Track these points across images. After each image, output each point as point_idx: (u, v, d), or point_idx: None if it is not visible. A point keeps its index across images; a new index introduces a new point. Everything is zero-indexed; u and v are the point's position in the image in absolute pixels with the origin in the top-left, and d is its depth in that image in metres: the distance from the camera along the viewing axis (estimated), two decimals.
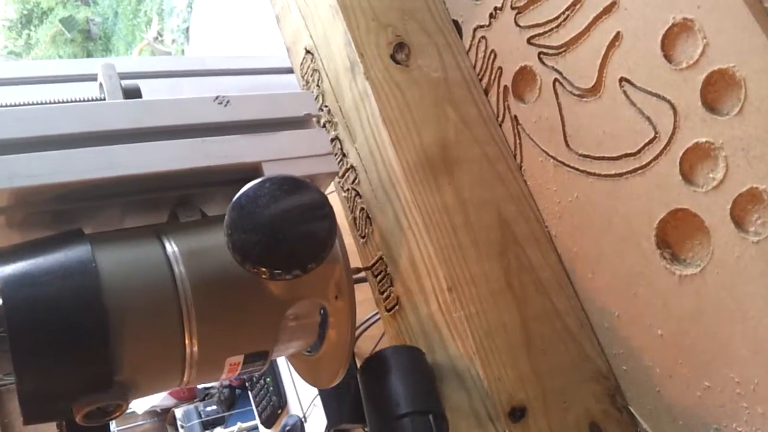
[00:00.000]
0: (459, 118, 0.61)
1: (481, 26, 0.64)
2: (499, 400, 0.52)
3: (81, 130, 0.52)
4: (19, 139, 0.50)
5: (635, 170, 0.52)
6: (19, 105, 0.57)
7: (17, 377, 0.45)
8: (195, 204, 0.56)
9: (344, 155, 0.65)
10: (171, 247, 0.50)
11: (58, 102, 0.59)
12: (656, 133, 0.51)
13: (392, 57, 0.62)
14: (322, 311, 0.56)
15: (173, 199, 0.56)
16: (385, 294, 0.62)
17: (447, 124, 0.61)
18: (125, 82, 0.60)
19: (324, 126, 0.67)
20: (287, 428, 1.39)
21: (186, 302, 0.48)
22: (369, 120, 0.60)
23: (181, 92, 0.80)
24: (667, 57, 0.49)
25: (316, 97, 0.68)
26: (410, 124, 0.59)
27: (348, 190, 0.65)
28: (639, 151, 0.52)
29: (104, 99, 0.58)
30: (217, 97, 0.56)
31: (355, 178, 0.64)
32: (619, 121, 0.53)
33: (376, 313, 0.82)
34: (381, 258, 0.62)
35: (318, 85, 0.67)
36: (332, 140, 0.66)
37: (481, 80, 0.65)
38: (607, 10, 0.53)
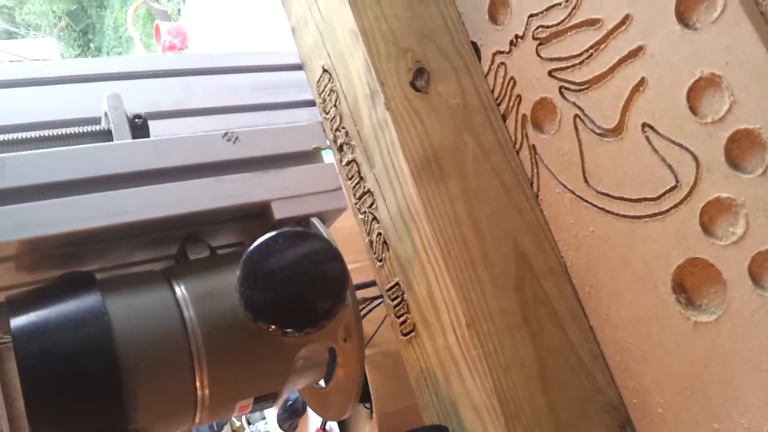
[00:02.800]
0: (477, 146, 0.62)
1: (501, 52, 0.63)
2: None
3: (88, 175, 0.52)
4: (25, 186, 0.50)
5: (654, 215, 0.53)
6: (23, 138, 0.56)
7: (31, 428, 0.45)
8: (203, 239, 0.57)
9: (361, 178, 0.65)
10: (180, 291, 0.51)
11: (64, 134, 0.58)
12: (677, 182, 0.51)
13: (412, 84, 0.61)
14: (330, 349, 0.57)
15: (182, 235, 0.56)
16: (402, 319, 0.63)
17: (466, 154, 0.61)
18: (131, 110, 0.59)
19: (341, 147, 0.67)
20: (289, 403, 1.43)
21: (197, 348, 0.49)
22: (388, 149, 0.60)
23: (191, 90, 0.79)
24: (692, 109, 0.49)
25: (333, 118, 0.67)
26: (430, 155, 0.59)
27: (365, 213, 0.66)
28: (659, 197, 0.53)
29: (109, 129, 0.58)
30: (225, 134, 0.56)
31: (373, 203, 0.64)
32: (640, 165, 0.53)
33: (378, 296, 0.84)
34: (398, 284, 0.63)
35: (335, 106, 0.67)
36: (349, 162, 0.66)
37: (499, 105, 0.64)
38: (633, 54, 0.52)
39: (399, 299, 0.63)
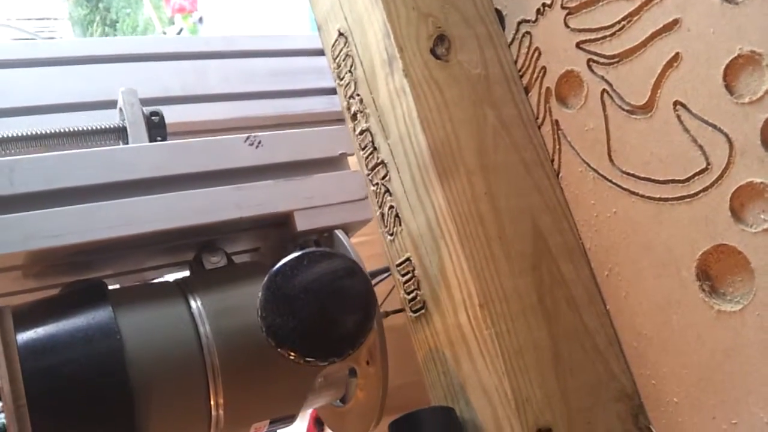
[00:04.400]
0: (498, 120, 0.59)
1: (527, 21, 0.60)
2: (525, 420, 0.52)
3: (102, 180, 0.49)
4: (35, 192, 0.47)
5: (682, 198, 0.51)
6: (33, 135, 0.53)
7: None
8: (220, 247, 0.54)
9: (375, 149, 0.63)
10: (196, 305, 0.49)
11: (76, 131, 0.56)
12: (708, 164, 0.49)
13: (432, 51, 0.59)
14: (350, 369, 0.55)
15: (198, 242, 0.54)
16: (412, 296, 0.61)
17: (485, 127, 0.58)
18: (147, 107, 0.56)
19: (355, 116, 0.64)
20: None
21: (212, 366, 0.47)
22: (405, 119, 0.58)
23: (206, 74, 0.76)
24: (729, 88, 0.47)
25: (348, 84, 0.65)
26: (448, 127, 0.57)
27: (377, 184, 0.63)
28: (688, 180, 0.50)
29: (124, 126, 0.55)
30: (248, 138, 0.54)
31: (386, 175, 0.62)
32: (670, 145, 0.51)
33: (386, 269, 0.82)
34: (409, 259, 0.61)
35: (350, 72, 0.64)
36: (362, 131, 0.64)
37: (521, 77, 0.62)
38: (668, 28, 0.50)
39: (409, 275, 0.61)
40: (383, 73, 0.60)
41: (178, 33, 4.57)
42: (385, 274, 0.82)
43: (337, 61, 0.67)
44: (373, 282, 0.84)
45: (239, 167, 0.53)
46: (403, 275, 0.62)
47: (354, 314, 0.44)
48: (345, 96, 0.66)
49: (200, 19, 4.69)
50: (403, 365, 1.08)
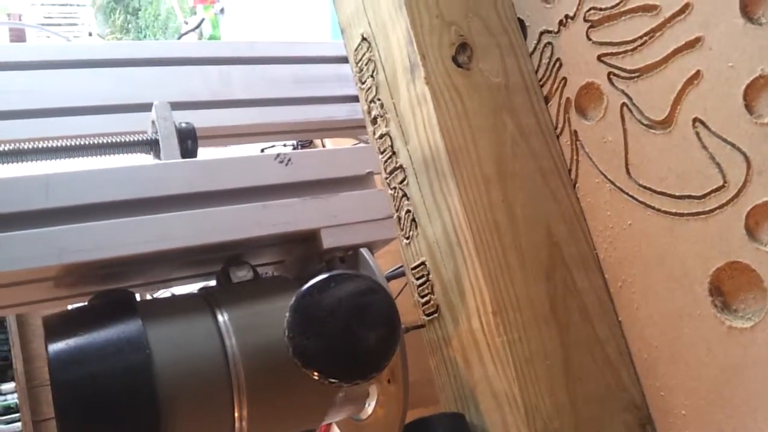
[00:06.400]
0: (517, 128, 0.60)
1: (549, 31, 0.61)
2: (534, 428, 0.52)
3: (135, 196, 0.50)
4: (69, 207, 0.48)
5: (697, 214, 0.51)
6: (67, 146, 0.54)
7: None
8: (246, 261, 0.56)
9: (394, 153, 0.63)
10: (222, 318, 0.50)
11: (109, 143, 0.56)
12: (725, 182, 0.49)
13: (454, 59, 0.59)
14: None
15: (225, 256, 0.55)
16: (425, 299, 0.62)
17: (504, 135, 0.59)
18: (180, 121, 0.57)
19: (375, 119, 0.65)
20: None
21: (237, 381, 0.48)
22: (425, 126, 0.58)
23: (230, 78, 0.77)
24: (749, 108, 0.47)
25: (369, 88, 0.66)
26: (467, 135, 0.58)
27: (395, 188, 0.64)
28: (704, 196, 0.51)
29: (156, 139, 0.56)
30: (278, 156, 0.55)
31: (404, 179, 0.62)
32: (687, 162, 0.51)
33: (399, 267, 0.82)
34: (424, 263, 0.61)
35: (372, 76, 0.65)
36: (382, 135, 0.64)
37: (542, 87, 0.62)
38: (690, 45, 0.50)
39: (424, 279, 0.62)
40: (405, 79, 0.60)
41: (200, 23, 4.60)
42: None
43: (359, 65, 0.67)
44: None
45: (268, 185, 0.54)
46: (418, 278, 0.63)
47: (379, 337, 0.45)
48: (366, 100, 0.67)
49: (221, 10, 4.71)
50: (416, 361, 1.09)
